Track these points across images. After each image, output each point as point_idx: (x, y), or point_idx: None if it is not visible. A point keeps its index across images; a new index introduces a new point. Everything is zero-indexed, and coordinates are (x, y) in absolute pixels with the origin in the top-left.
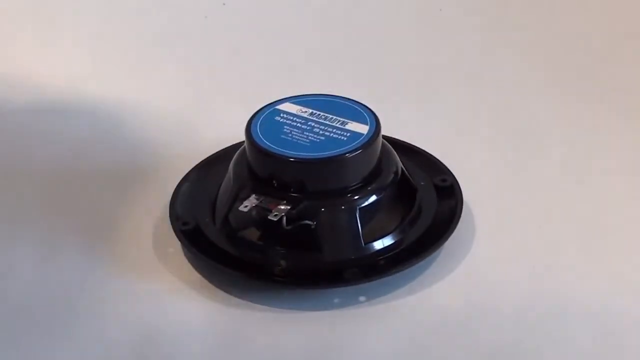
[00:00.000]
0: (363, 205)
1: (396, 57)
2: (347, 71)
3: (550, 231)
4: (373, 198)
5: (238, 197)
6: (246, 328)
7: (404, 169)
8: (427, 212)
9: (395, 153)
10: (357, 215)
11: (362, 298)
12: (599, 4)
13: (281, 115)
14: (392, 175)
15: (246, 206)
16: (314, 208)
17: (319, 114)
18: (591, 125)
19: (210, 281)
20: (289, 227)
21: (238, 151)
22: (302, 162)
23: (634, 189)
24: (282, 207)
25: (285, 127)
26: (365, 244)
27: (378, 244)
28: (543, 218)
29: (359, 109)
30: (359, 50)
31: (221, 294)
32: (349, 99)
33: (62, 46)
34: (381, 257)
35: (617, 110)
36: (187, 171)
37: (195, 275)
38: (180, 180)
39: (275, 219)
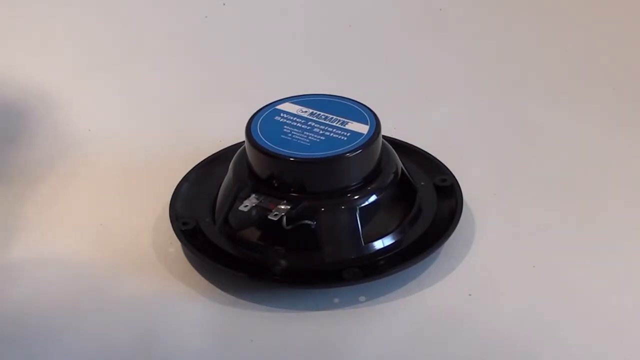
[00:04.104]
0: (363, 205)
1: (396, 57)
2: (347, 71)
3: (550, 231)
4: (373, 198)
5: (238, 196)
6: (246, 328)
7: (404, 169)
8: (427, 212)
9: (395, 153)
10: (357, 215)
11: (362, 298)
12: (602, 5)
13: (281, 115)
14: (392, 175)
15: (246, 206)
16: (314, 208)
17: (319, 114)
18: (591, 125)
19: (210, 281)
20: (289, 227)
21: (238, 151)
22: (302, 162)
23: (634, 188)
24: (282, 207)
25: (285, 127)
26: (365, 244)
27: (378, 244)
28: (543, 218)
29: (359, 109)
30: (359, 50)
31: (221, 293)
32: (349, 99)
33: (62, 44)
34: (381, 257)
35: (617, 111)
36: (187, 171)
37: (195, 275)
38: (180, 180)
39: (275, 219)
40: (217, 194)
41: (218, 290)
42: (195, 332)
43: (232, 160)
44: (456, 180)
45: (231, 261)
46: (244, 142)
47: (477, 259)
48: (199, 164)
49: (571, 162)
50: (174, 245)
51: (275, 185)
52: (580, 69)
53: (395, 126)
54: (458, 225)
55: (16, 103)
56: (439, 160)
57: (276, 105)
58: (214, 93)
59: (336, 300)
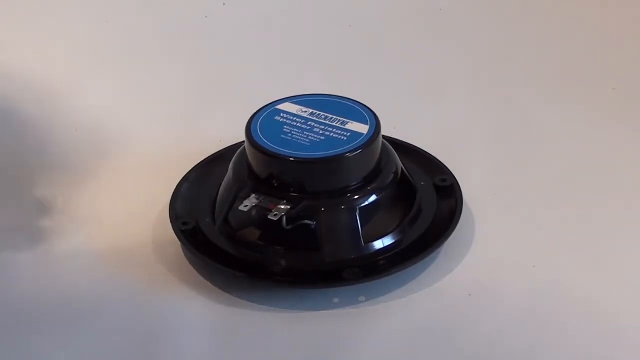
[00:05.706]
0: (363, 205)
1: (396, 57)
2: (347, 71)
3: (550, 231)
4: (373, 198)
5: (238, 196)
6: (246, 328)
7: (404, 169)
8: (427, 212)
9: (395, 153)
10: (357, 215)
11: (362, 298)
12: (602, 5)
13: (281, 115)
14: (392, 175)
15: (246, 206)
16: (314, 208)
17: (319, 114)
18: (592, 125)
19: (210, 281)
20: (289, 227)
21: (238, 151)
22: (302, 162)
23: (634, 188)
24: (282, 207)
25: (285, 127)
26: (365, 244)
27: (378, 244)
28: (543, 218)
29: (359, 109)
30: (359, 50)
31: (221, 294)
32: (349, 99)
33: (62, 44)
34: (381, 257)
35: (617, 111)
36: (187, 171)
37: (195, 275)
38: (180, 180)
39: (275, 219)
40: (217, 194)
41: (218, 290)
42: (195, 332)
43: (232, 160)
44: (456, 180)
45: (231, 261)
46: (244, 142)
47: (477, 259)
48: (199, 164)
49: (571, 162)
50: (174, 245)
51: (275, 185)
52: (580, 69)
53: (395, 126)
54: (458, 225)
55: (16, 103)
56: (439, 160)
57: (276, 105)
58: (214, 93)
59: (336, 300)
